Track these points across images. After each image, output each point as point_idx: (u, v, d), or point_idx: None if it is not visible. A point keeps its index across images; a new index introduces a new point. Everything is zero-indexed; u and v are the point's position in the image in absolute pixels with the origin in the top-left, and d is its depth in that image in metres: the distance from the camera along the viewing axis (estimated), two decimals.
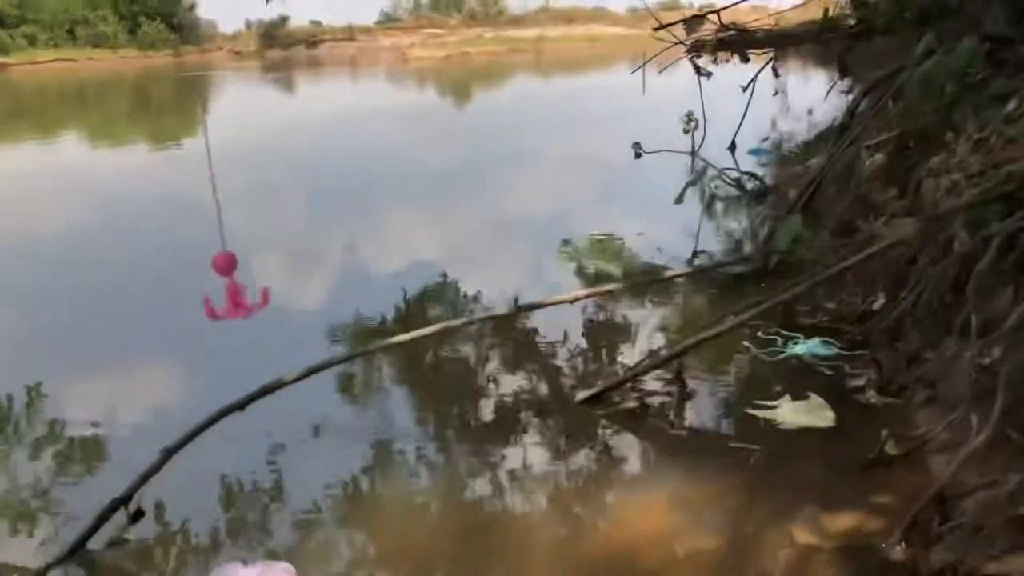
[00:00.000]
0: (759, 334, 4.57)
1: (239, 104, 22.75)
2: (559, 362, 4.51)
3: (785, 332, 4.56)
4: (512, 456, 3.61)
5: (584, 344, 4.75)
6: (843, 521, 3.01)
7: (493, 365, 4.50)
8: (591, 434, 3.74)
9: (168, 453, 3.02)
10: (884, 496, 3.15)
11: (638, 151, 5.38)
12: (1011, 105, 4.24)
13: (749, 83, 8.93)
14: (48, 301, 5.61)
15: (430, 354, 4.67)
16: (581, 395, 4.00)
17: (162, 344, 4.48)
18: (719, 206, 5.97)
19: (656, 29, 6.79)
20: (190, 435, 3.06)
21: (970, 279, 3.61)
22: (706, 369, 4.23)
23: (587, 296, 3.47)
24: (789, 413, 3.71)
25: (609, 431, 3.75)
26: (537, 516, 3.21)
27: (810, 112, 10.68)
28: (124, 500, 2.97)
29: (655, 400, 3.96)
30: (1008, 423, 2.90)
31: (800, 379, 4.05)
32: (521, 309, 3.52)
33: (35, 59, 30.58)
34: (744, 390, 4.02)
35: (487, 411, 4.01)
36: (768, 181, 6.36)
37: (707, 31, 7.59)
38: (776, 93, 9.91)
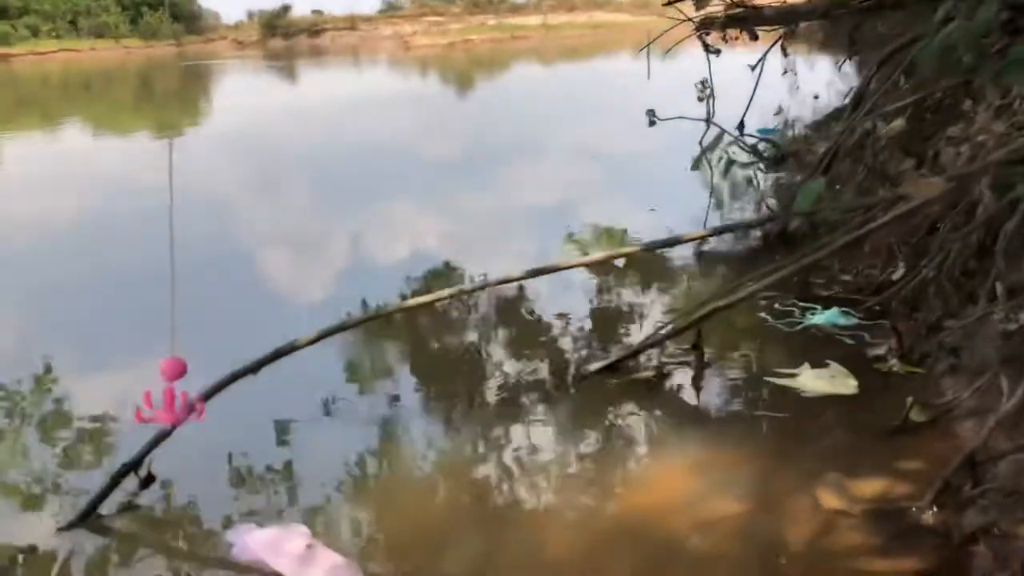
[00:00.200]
0: (776, 306, 4.50)
1: (240, 93, 22.67)
2: (572, 335, 4.45)
3: (802, 303, 4.49)
4: (528, 426, 3.54)
5: (598, 316, 4.68)
6: (870, 486, 2.94)
7: (505, 339, 4.44)
8: (607, 404, 3.67)
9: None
10: (911, 462, 3.08)
11: (652, 118, 5.30)
12: None
13: (758, 62, 8.82)
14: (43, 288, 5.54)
15: (442, 327, 4.61)
16: (595, 365, 3.93)
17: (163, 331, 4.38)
18: (736, 172, 5.89)
19: (665, 4, 6.66)
20: (202, 399, 2.98)
21: (997, 242, 3.54)
22: (723, 340, 4.15)
23: (605, 259, 3.40)
24: (811, 380, 3.64)
25: (626, 401, 3.68)
26: (556, 484, 3.14)
27: (816, 97, 10.58)
28: (135, 465, 2.91)
29: (672, 370, 3.89)
30: None
31: (819, 349, 3.97)
32: (536, 273, 3.44)
33: (38, 50, 30.50)
34: (763, 360, 3.95)
35: (500, 383, 3.94)
36: (785, 148, 6.26)
37: (716, 7, 7.48)
38: (785, 72, 9.80)
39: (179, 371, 2.09)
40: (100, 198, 8.56)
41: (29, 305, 5.30)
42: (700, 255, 5.57)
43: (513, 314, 4.70)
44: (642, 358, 3.96)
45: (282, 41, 38.45)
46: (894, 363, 3.75)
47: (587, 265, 3.41)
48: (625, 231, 5.99)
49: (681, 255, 5.47)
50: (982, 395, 3.26)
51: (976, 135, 4.57)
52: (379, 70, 28.49)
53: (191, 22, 36.20)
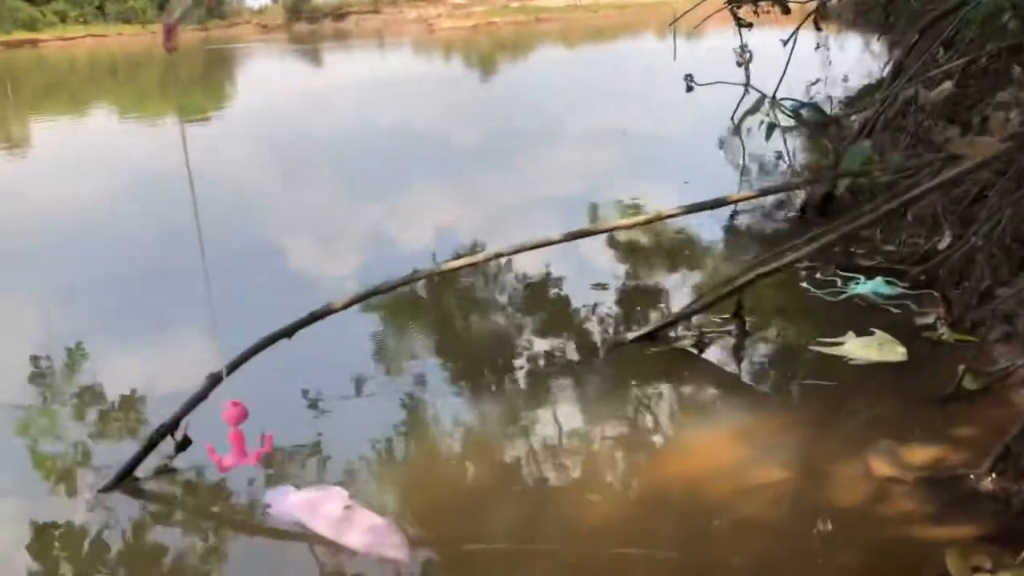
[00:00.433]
0: (817, 276, 4.39)
1: (266, 77, 22.69)
2: (605, 308, 4.37)
3: (844, 274, 4.38)
4: (566, 394, 3.48)
5: (628, 293, 4.61)
6: (923, 454, 2.84)
7: (539, 311, 4.38)
8: (647, 372, 3.60)
9: (215, 379, 2.91)
10: (965, 429, 2.97)
11: (690, 83, 5.18)
12: None
13: (791, 36, 8.63)
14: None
15: (480, 296, 4.56)
16: (633, 334, 3.85)
17: (193, 311, 4.35)
18: (766, 152, 5.73)
19: None
20: (237, 362, 2.95)
21: None
22: (764, 310, 4.05)
23: (646, 222, 3.31)
24: (858, 348, 3.53)
25: (666, 369, 3.60)
26: (595, 452, 3.07)
27: (845, 79, 10.37)
28: (171, 428, 2.88)
29: (712, 339, 3.80)
30: None
31: (864, 318, 3.86)
32: (575, 236, 3.36)
33: (66, 35, 30.75)
34: (805, 329, 3.84)
35: (535, 353, 3.87)
36: (829, 112, 6.09)
37: None
38: (818, 47, 9.59)
39: (241, 415, 2.12)
40: (126, 181, 8.55)
41: (59, 288, 5.27)
42: (730, 229, 5.46)
43: (544, 288, 4.63)
44: (680, 328, 3.88)
45: (307, 25, 38.45)
46: (944, 331, 3.63)
47: (628, 227, 3.33)
48: (649, 207, 5.87)
49: (711, 234, 5.34)
50: None
51: None
52: (403, 53, 28.39)
53: (216, 6, 36.27)
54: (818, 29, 8.76)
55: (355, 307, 4.17)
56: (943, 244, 4.37)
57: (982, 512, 2.54)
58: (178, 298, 4.53)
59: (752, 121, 6.04)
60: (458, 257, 4.71)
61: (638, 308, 4.34)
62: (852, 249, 4.72)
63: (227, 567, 2.61)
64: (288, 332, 3.00)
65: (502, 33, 32.89)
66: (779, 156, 6.87)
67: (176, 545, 2.69)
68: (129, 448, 3.03)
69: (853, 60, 11.71)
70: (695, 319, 3.89)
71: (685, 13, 7.62)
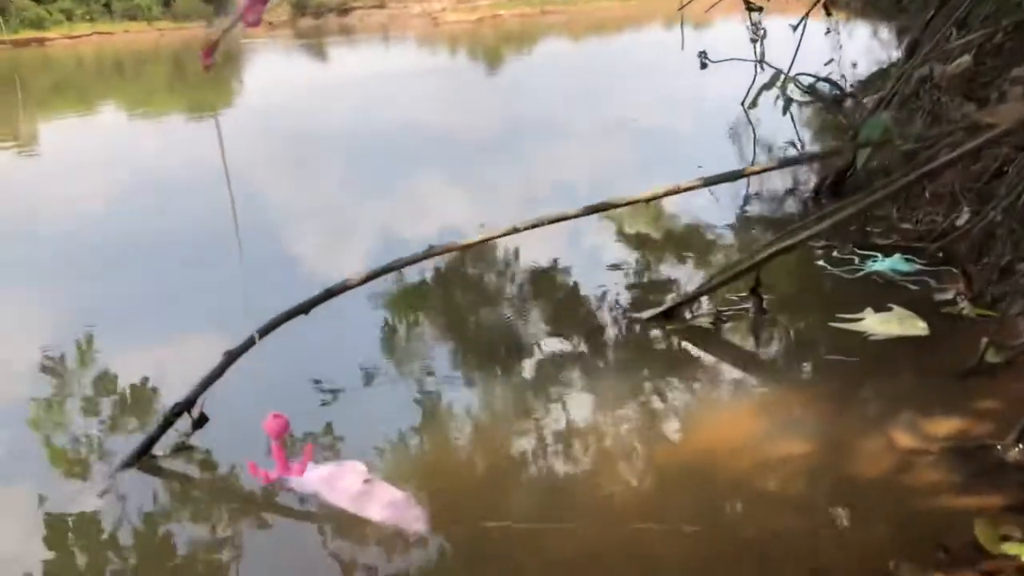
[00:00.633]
0: (834, 254, 4.35)
1: (272, 73, 22.66)
2: (623, 287, 4.34)
3: (861, 252, 4.34)
4: (582, 373, 3.45)
5: (648, 269, 4.58)
6: (947, 426, 2.81)
7: (553, 293, 4.35)
8: (664, 349, 3.58)
9: (231, 356, 2.90)
10: (989, 402, 2.94)
11: (704, 60, 5.12)
12: None
13: (801, 20, 8.55)
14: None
15: (491, 283, 4.53)
16: (649, 312, 3.82)
17: (199, 306, 4.35)
18: (794, 111, 5.65)
19: None
20: (250, 342, 2.93)
21: None
22: (781, 288, 4.01)
23: (665, 195, 3.27)
24: (878, 323, 3.49)
25: (684, 346, 3.57)
26: (614, 428, 3.04)
27: (855, 65, 10.28)
28: (188, 405, 2.87)
29: (729, 317, 3.76)
30: None
31: (882, 295, 3.82)
32: (592, 210, 3.33)
33: (72, 33, 30.75)
34: (823, 306, 3.80)
35: (551, 333, 3.84)
36: (846, 87, 6.02)
37: None
38: (828, 31, 9.52)
39: (283, 428, 2.12)
40: (136, 178, 8.51)
41: (72, 280, 5.22)
42: (742, 218, 5.40)
43: (554, 275, 4.61)
44: (697, 307, 3.85)
45: (311, 20, 38.37)
46: (964, 306, 3.59)
47: (647, 200, 3.29)
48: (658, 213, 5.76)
49: (723, 223, 5.27)
50: None
51: None
52: (408, 48, 28.33)
53: (222, 3, 36.29)
54: (828, 14, 8.69)
55: (366, 300, 4.18)
56: (961, 221, 4.33)
57: (1009, 482, 2.51)
58: (197, 287, 4.51)
59: (760, 112, 5.98)
60: (460, 262, 4.68)
61: (652, 290, 4.30)
62: (868, 228, 4.68)
63: (245, 543, 2.59)
64: (305, 308, 2.97)
65: (508, 26, 32.77)
66: (791, 144, 6.83)
67: (194, 522, 2.68)
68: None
69: (862, 48, 11.62)
70: (711, 297, 3.86)
71: (690, 1, 7.55)
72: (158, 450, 2.93)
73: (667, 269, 4.66)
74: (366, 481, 2.53)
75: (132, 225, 6.34)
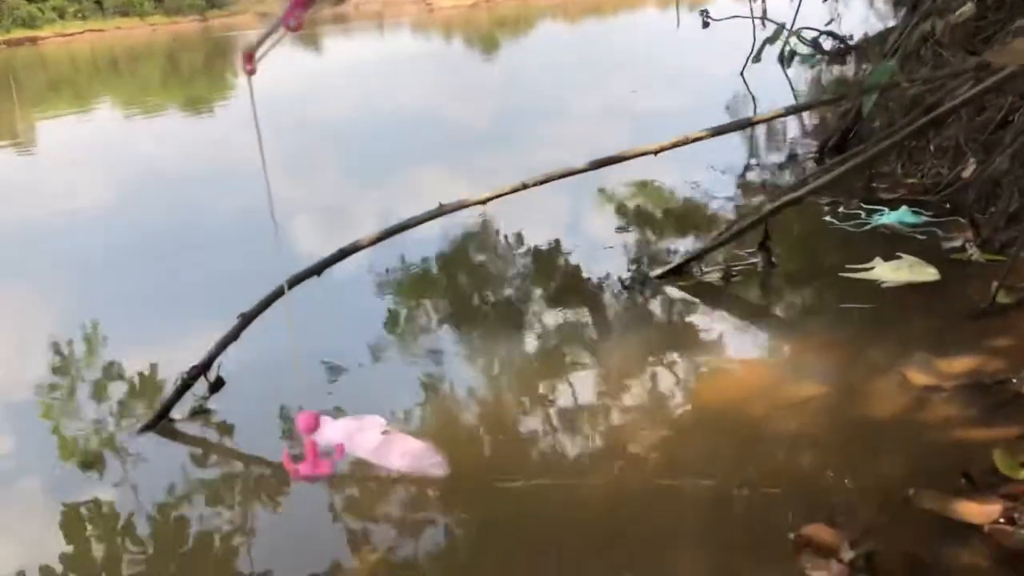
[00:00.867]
0: (840, 210, 4.35)
1: (266, 64, 22.53)
2: (633, 246, 4.35)
3: (867, 206, 4.34)
4: (595, 331, 3.46)
5: (654, 229, 4.58)
6: (961, 364, 2.81)
7: (563, 254, 4.35)
8: (676, 304, 3.58)
9: (246, 319, 2.91)
10: (1002, 340, 2.95)
11: (706, 19, 5.09)
12: None
13: None
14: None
15: (500, 247, 4.54)
16: (658, 270, 3.83)
17: (210, 295, 4.25)
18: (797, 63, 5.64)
19: None
20: (266, 302, 2.94)
21: None
22: (789, 242, 4.01)
23: (672, 146, 3.27)
24: (889, 271, 3.50)
25: (695, 301, 3.58)
26: (629, 384, 3.04)
27: (851, 37, 10.24)
28: (204, 368, 2.88)
29: (739, 272, 3.77)
30: None
31: (890, 246, 3.81)
32: (600, 164, 3.33)
33: (65, 31, 30.72)
34: (832, 258, 3.80)
35: (563, 293, 3.85)
36: (849, 40, 5.99)
37: None
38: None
39: (315, 423, 2.15)
40: (137, 173, 8.45)
41: (79, 274, 5.16)
42: (743, 187, 5.37)
43: (571, 214, 4.57)
44: (706, 264, 3.85)
45: None
46: (973, 252, 3.59)
47: (655, 152, 3.28)
48: (659, 184, 5.71)
49: (725, 192, 5.19)
50: None
51: None
52: (403, 35, 28.22)
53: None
54: None
55: (370, 284, 4.16)
56: (967, 172, 4.33)
57: None
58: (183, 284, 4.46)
59: (759, 83, 5.95)
60: (468, 235, 4.66)
61: (659, 252, 4.29)
62: (874, 184, 4.68)
63: (261, 508, 2.60)
64: (317, 270, 2.98)
65: (502, 11, 32.64)
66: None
67: (214, 484, 2.69)
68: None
69: (859, 17, 11.58)
70: (720, 253, 3.87)
71: None
72: (175, 414, 2.95)
73: (672, 234, 4.65)
74: (385, 433, 2.55)
75: (136, 219, 6.29)
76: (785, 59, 5.23)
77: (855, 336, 3.14)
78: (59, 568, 2.37)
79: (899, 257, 3.66)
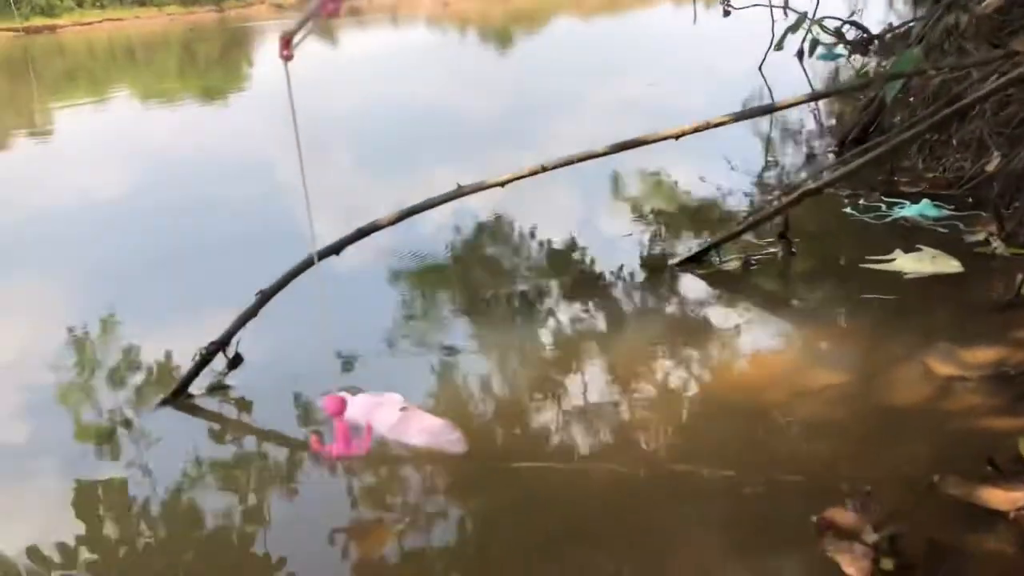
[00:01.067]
0: (861, 202, 4.32)
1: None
2: (650, 237, 4.33)
3: (888, 199, 4.30)
4: (613, 318, 3.44)
5: (671, 223, 4.56)
6: (985, 354, 2.79)
7: (581, 246, 4.32)
8: (694, 293, 3.56)
9: (264, 296, 2.91)
10: None
11: (727, 7, 5.06)
12: None
13: None
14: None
15: (516, 238, 4.52)
16: (677, 258, 3.81)
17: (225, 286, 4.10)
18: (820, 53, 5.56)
19: None
20: (285, 279, 2.94)
21: None
22: (808, 234, 3.98)
23: (694, 130, 3.24)
24: (911, 262, 3.47)
25: (714, 289, 3.56)
26: (647, 370, 3.02)
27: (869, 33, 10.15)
28: (222, 344, 2.88)
29: (758, 261, 3.74)
30: None
31: (911, 238, 3.79)
32: (620, 147, 3.30)
33: (83, 20, 30.81)
34: (853, 250, 3.76)
35: (582, 280, 3.83)
36: (873, 31, 5.93)
37: None
38: None
39: (343, 406, 2.16)
40: (149, 162, 8.44)
41: (96, 260, 5.10)
42: (761, 184, 5.32)
43: (589, 204, 4.57)
44: (723, 254, 3.82)
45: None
46: (997, 245, 3.56)
47: (676, 137, 3.26)
48: (676, 181, 5.67)
49: (742, 187, 5.17)
50: None
51: None
52: (418, 29, 28.20)
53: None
54: None
55: (383, 275, 4.12)
56: (991, 166, 4.28)
57: None
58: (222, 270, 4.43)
59: (776, 79, 5.86)
60: (478, 229, 4.62)
61: (676, 244, 4.26)
62: (895, 178, 4.65)
63: (281, 480, 2.60)
64: (336, 248, 2.97)
65: (517, 4, 32.58)
66: (814, 116, 6.72)
67: (230, 459, 2.69)
68: None
69: (877, 21, 11.50)
70: (738, 243, 3.84)
71: None
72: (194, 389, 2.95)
73: (689, 227, 4.60)
74: (403, 409, 2.54)
75: (152, 206, 6.22)
76: (807, 49, 5.16)
77: (877, 326, 3.11)
78: (73, 544, 2.36)
79: (919, 249, 3.63)
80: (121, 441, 2.79)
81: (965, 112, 3.68)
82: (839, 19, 5.95)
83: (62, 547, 2.33)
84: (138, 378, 3.22)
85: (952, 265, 3.41)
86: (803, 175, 5.45)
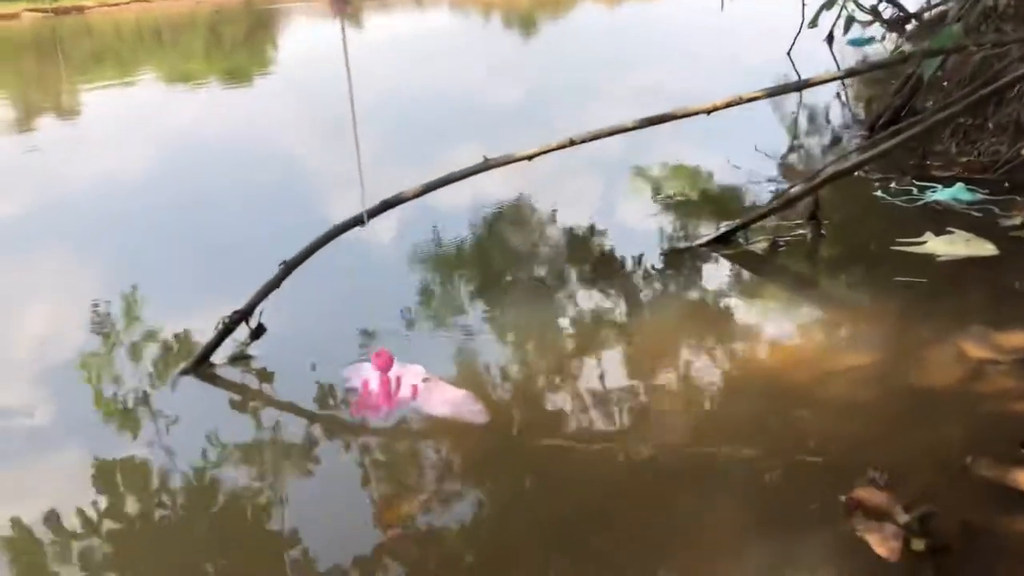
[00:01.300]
0: (892, 186, 4.24)
1: (307, 39, 22.59)
2: (676, 219, 4.28)
3: (920, 183, 4.22)
4: (640, 297, 3.40)
5: (697, 206, 4.50)
6: (1019, 338, 2.73)
7: (604, 228, 4.27)
8: (722, 272, 3.51)
9: (288, 267, 2.90)
10: None
11: None
12: None
13: None
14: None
15: (540, 220, 4.49)
16: (705, 238, 3.75)
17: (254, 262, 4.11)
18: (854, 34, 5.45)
19: None
20: (309, 250, 2.92)
21: None
22: (838, 215, 3.91)
23: (725, 106, 3.17)
24: (944, 245, 3.40)
25: (741, 270, 3.51)
26: (673, 349, 2.98)
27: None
28: (246, 314, 2.88)
29: (786, 242, 3.68)
30: None
31: (944, 222, 3.71)
32: (650, 122, 3.25)
33: (111, 1, 31.02)
34: (884, 232, 3.68)
35: (606, 260, 3.79)
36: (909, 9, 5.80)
37: None
38: None
39: (390, 362, 2.15)
40: (175, 143, 8.42)
41: (120, 238, 5.08)
42: (786, 168, 5.23)
43: (616, 189, 4.52)
44: (751, 235, 3.76)
45: None
46: None
47: (708, 112, 3.20)
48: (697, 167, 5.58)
49: (767, 173, 5.05)
50: None
51: None
52: (442, 13, 28.10)
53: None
54: None
55: (404, 259, 4.05)
56: None
57: None
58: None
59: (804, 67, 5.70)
60: (501, 213, 4.56)
61: (702, 225, 4.19)
62: (927, 162, 4.56)
63: (301, 450, 2.59)
64: (361, 220, 2.95)
65: None
66: (836, 96, 6.58)
67: (251, 427, 2.69)
68: None
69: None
70: (767, 224, 3.78)
71: None
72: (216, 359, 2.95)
73: (714, 210, 4.52)
74: (426, 380, 2.53)
75: (177, 186, 6.18)
76: (842, 27, 5.05)
77: (908, 308, 3.05)
78: (94, 515, 2.37)
79: (951, 232, 3.55)
80: (141, 411, 2.80)
81: (1002, 94, 3.58)
82: None
83: (82, 516, 2.34)
84: (159, 351, 3.23)
85: (987, 248, 3.34)
86: (829, 159, 5.38)
